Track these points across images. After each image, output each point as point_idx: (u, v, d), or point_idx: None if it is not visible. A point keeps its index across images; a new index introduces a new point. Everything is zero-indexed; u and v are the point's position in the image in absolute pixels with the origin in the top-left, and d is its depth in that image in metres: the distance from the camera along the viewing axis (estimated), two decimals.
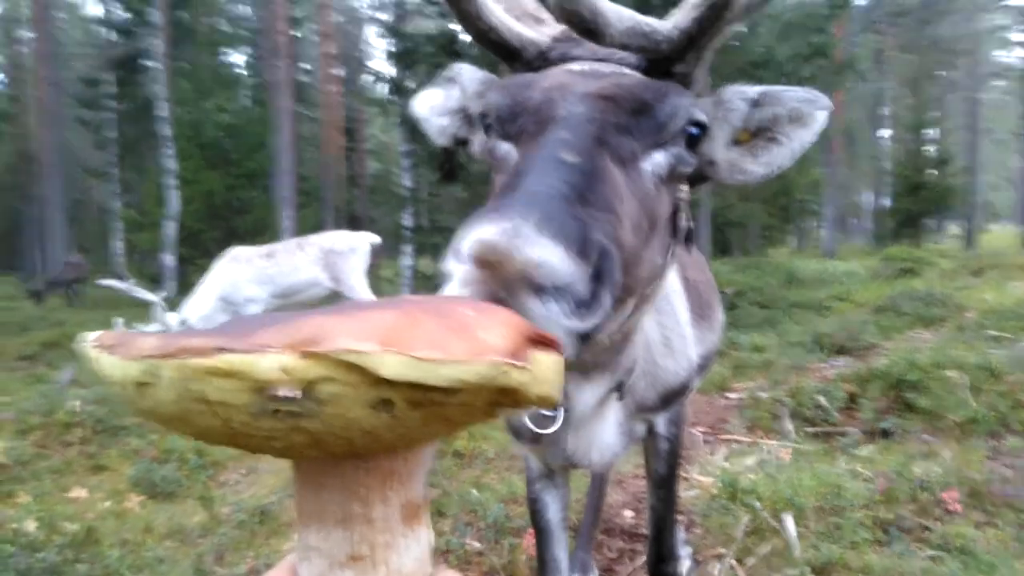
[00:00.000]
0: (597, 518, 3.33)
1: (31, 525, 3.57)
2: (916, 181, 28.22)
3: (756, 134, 1.28)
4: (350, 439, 0.51)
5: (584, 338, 0.82)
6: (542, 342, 0.55)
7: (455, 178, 11.88)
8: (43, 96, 23.03)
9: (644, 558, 3.37)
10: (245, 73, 27.59)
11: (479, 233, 0.77)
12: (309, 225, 22.62)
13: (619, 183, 1.02)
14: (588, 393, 1.50)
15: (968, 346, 6.48)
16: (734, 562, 3.22)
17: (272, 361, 0.46)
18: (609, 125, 1.07)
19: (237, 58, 28.50)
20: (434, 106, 1.51)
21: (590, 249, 0.83)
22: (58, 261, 20.32)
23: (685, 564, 3.04)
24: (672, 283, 1.85)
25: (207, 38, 23.20)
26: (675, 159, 1.15)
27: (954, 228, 37.04)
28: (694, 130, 1.18)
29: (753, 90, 1.28)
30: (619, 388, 1.55)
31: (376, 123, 35.63)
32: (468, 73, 1.48)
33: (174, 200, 18.05)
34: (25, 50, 27.61)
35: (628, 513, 3.89)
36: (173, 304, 8.86)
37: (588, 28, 1.16)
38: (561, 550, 2.16)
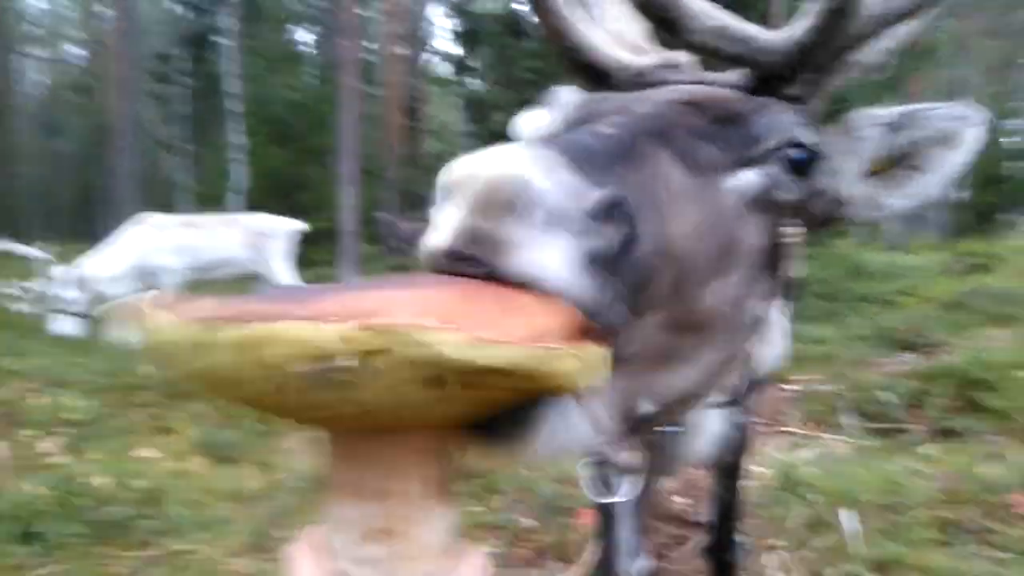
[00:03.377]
0: (648, 502, 3.31)
1: (101, 480, 3.73)
2: (994, 173, 27.02)
3: (894, 162, 1.14)
4: (397, 412, 0.51)
5: (605, 269, 0.66)
6: (590, 333, 0.55)
7: None
8: (120, 71, 23.79)
9: (693, 544, 3.35)
10: (311, 51, 27.98)
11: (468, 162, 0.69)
12: (367, 203, 22.92)
13: (671, 178, 0.88)
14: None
15: None
16: (788, 554, 3.16)
17: (332, 331, 0.46)
18: (681, 126, 0.95)
19: (304, 36, 28.95)
20: (535, 129, 1.45)
21: (604, 183, 0.70)
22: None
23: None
24: None
25: (276, 16, 23.58)
26: (770, 181, 1.01)
27: None
28: (797, 154, 1.03)
29: (888, 113, 1.14)
30: (736, 401, 1.48)
31: (437, 103, 35.72)
32: (566, 95, 1.35)
33: (240, 175, 18.49)
34: (103, 26, 28.51)
35: (678, 499, 3.86)
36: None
37: (665, 19, 1.06)
38: (626, 532, 2.17)
